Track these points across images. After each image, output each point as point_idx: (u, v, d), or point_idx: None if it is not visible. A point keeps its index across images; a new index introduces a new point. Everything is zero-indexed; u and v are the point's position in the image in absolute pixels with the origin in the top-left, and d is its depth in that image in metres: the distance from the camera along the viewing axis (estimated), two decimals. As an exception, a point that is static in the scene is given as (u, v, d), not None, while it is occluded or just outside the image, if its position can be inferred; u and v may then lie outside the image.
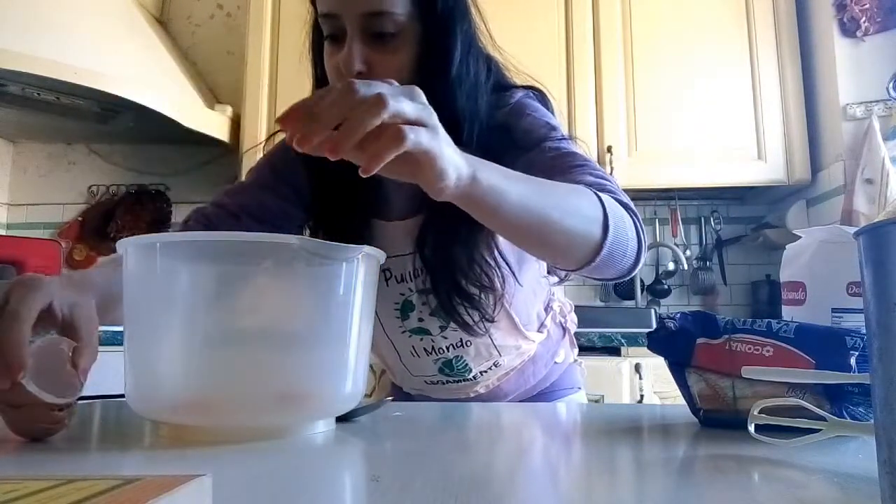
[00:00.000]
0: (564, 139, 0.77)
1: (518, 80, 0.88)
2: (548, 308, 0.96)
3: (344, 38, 0.73)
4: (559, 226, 0.60)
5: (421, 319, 0.84)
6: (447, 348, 0.86)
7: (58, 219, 2.55)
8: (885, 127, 1.96)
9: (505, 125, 0.78)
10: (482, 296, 0.79)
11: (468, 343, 0.85)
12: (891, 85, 2.00)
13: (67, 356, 0.48)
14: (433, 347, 0.86)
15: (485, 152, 0.61)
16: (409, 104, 0.47)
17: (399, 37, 0.73)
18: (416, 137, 0.46)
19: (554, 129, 0.78)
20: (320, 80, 0.83)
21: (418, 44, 0.75)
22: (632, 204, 0.69)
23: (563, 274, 0.91)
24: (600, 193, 0.64)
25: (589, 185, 0.67)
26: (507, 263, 0.81)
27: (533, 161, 0.73)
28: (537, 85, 0.87)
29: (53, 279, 0.57)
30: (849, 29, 2.05)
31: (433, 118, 0.49)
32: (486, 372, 0.89)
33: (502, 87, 0.84)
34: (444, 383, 0.90)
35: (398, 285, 0.83)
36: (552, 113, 0.84)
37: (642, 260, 0.69)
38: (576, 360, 1.03)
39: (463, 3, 0.79)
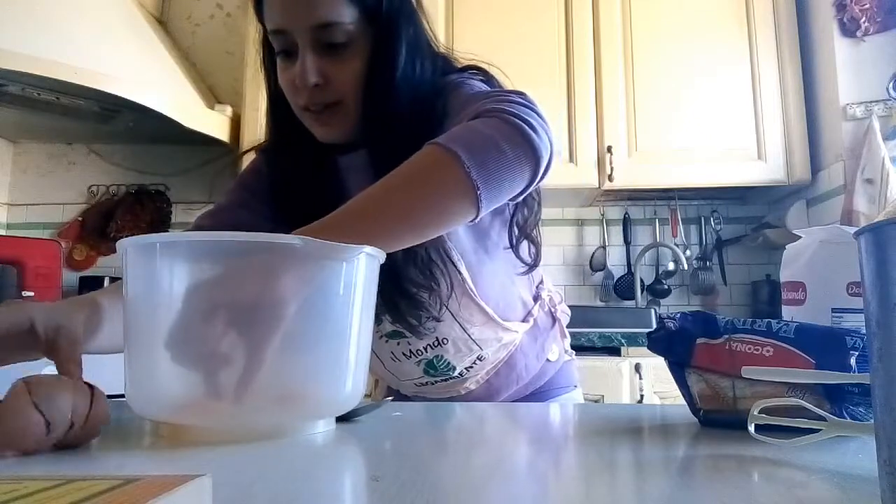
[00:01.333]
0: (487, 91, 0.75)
1: (508, 85, 0.86)
2: (536, 297, 0.95)
3: (296, 52, 0.75)
4: (432, 214, 0.60)
5: (393, 322, 0.83)
6: (424, 349, 0.86)
7: (58, 219, 2.55)
8: (885, 127, 1.96)
9: (442, 113, 0.77)
10: (423, 296, 0.79)
11: (445, 341, 0.85)
12: (891, 85, 2.00)
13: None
14: (411, 350, 0.86)
15: (415, 137, 0.64)
16: None
17: (350, 46, 0.75)
18: None
19: (480, 93, 0.75)
20: (274, 96, 0.85)
21: (369, 50, 0.76)
22: (533, 114, 0.64)
23: (527, 260, 0.88)
24: (440, 142, 0.60)
25: (482, 111, 0.64)
26: (452, 261, 0.80)
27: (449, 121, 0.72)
28: (481, 65, 0.86)
29: (41, 304, 0.59)
30: (849, 29, 2.06)
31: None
32: (471, 367, 0.88)
33: (441, 70, 0.84)
34: (432, 384, 0.90)
35: None
36: (493, 86, 0.82)
37: (547, 153, 0.64)
38: (567, 352, 1.01)
39: (408, 6, 0.80)
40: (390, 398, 0.76)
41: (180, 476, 0.27)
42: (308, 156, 0.84)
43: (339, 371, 0.56)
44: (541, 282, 0.98)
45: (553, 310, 0.98)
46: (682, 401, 0.62)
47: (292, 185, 0.84)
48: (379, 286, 0.75)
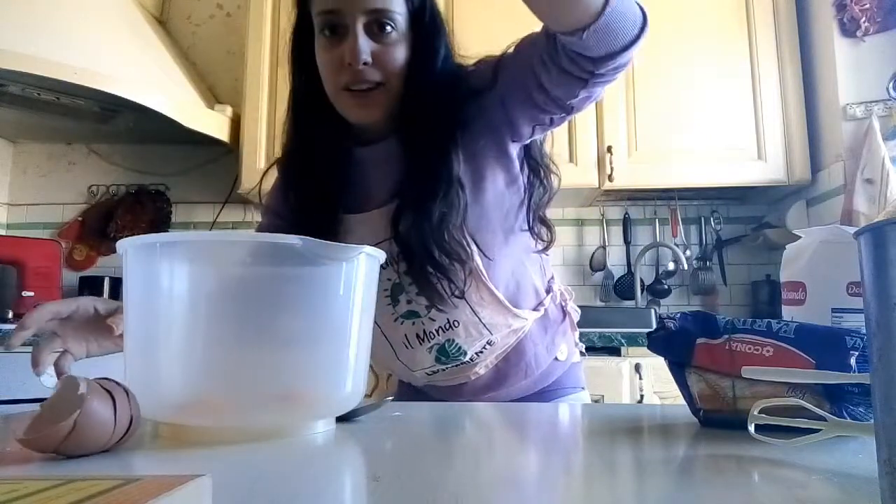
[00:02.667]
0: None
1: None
2: (548, 289, 0.97)
3: (343, 33, 0.81)
4: None
5: (409, 301, 0.86)
6: (437, 332, 0.87)
7: (58, 219, 2.55)
8: (885, 127, 1.96)
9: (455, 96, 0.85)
10: (453, 265, 0.82)
11: (456, 324, 0.87)
12: (891, 85, 2.00)
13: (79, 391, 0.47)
14: (424, 332, 0.88)
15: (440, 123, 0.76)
16: None
17: (396, 35, 0.82)
18: None
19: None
20: (299, 89, 0.90)
21: (410, 45, 0.83)
22: None
23: (545, 238, 0.94)
24: None
25: None
26: (476, 244, 0.85)
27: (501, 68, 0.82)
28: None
29: (92, 297, 0.77)
30: (849, 29, 2.05)
31: None
32: (481, 353, 0.90)
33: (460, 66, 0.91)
34: (443, 371, 0.91)
35: (384, 271, 0.86)
36: None
37: (643, 37, 0.73)
38: (577, 346, 1.03)
39: (441, 20, 0.88)
40: (390, 398, 0.76)
41: (180, 476, 0.27)
42: (330, 147, 0.89)
43: (339, 371, 0.56)
44: (552, 277, 1.00)
45: (564, 304, 1.01)
46: (682, 401, 0.62)
47: (315, 175, 0.88)
48: (410, 255, 0.82)
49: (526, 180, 0.89)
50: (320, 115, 0.88)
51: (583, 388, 1.02)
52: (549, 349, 0.96)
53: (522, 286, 0.92)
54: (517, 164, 0.87)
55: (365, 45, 0.80)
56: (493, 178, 0.86)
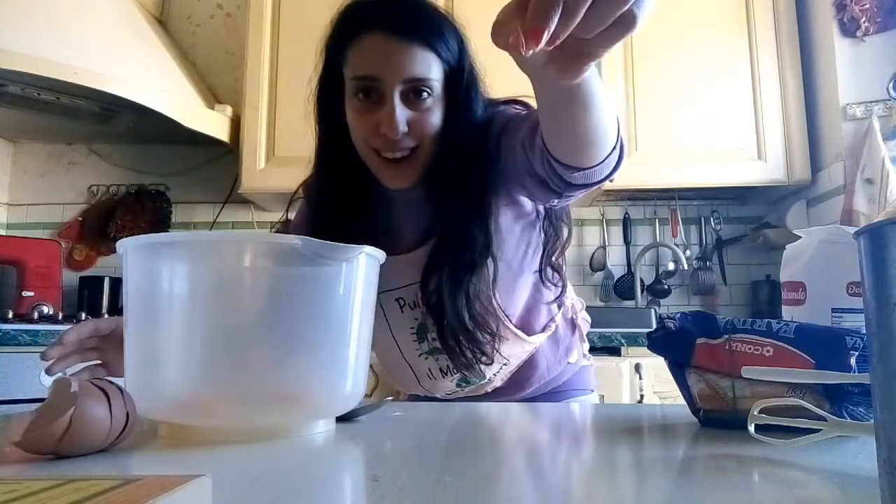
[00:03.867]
0: None
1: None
2: (560, 304, 0.98)
3: (378, 99, 0.79)
4: (603, 116, 0.61)
5: (435, 339, 0.87)
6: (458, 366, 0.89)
7: (58, 219, 2.55)
8: (885, 127, 1.96)
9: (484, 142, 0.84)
10: (484, 336, 0.84)
11: None
12: (891, 85, 2.00)
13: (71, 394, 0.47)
14: (448, 367, 0.89)
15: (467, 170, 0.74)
16: None
17: (431, 99, 0.81)
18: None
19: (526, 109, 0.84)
20: (326, 135, 0.89)
21: (445, 106, 0.83)
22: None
23: (555, 284, 0.94)
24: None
25: None
26: (498, 304, 0.86)
27: (508, 130, 0.78)
28: (519, 97, 0.90)
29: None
30: (849, 29, 2.05)
31: None
32: (498, 373, 0.93)
33: (487, 107, 0.89)
34: (462, 390, 0.94)
35: (412, 311, 0.88)
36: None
37: (617, 172, 0.71)
38: (586, 356, 1.05)
39: (476, 71, 0.87)
40: (390, 398, 0.76)
41: (180, 476, 0.27)
42: (357, 190, 0.89)
43: (339, 371, 0.56)
44: (563, 289, 0.99)
45: (574, 317, 1.02)
46: (682, 401, 0.62)
47: (341, 217, 0.88)
48: (441, 324, 0.82)
49: (542, 224, 0.90)
50: (348, 163, 0.86)
51: (592, 391, 1.04)
52: (561, 360, 0.98)
53: (535, 310, 0.94)
54: (529, 206, 0.88)
55: (402, 116, 0.78)
56: (508, 220, 0.86)
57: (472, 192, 0.82)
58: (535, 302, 0.93)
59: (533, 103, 0.88)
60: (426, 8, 0.84)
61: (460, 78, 0.83)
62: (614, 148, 0.66)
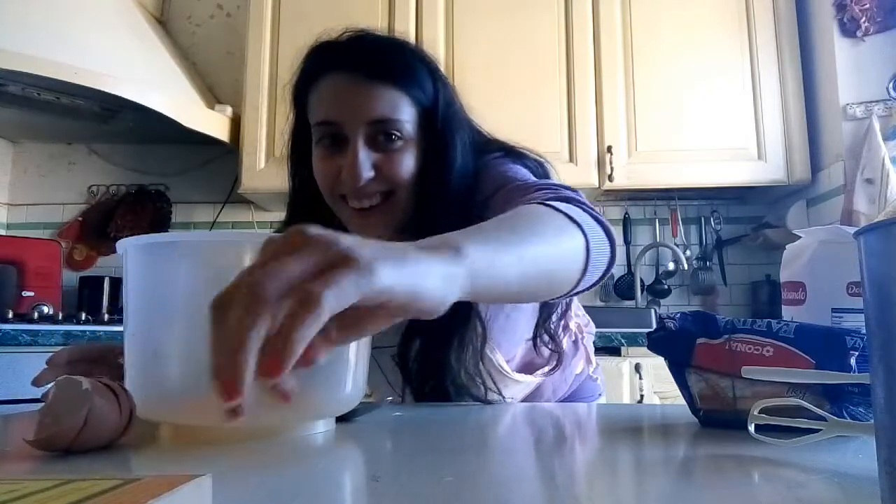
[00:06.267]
0: (527, 179, 0.72)
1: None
2: (566, 329, 0.92)
3: (342, 144, 0.74)
4: (555, 272, 0.56)
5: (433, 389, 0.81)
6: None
7: (58, 219, 2.55)
8: (885, 127, 1.96)
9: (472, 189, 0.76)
10: (476, 387, 0.77)
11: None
12: (891, 85, 2.00)
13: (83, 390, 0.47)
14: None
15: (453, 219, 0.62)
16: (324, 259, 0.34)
17: (403, 142, 0.75)
18: (353, 287, 0.33)
19: (517, 179, 0.72)
20: (299, 189, 0.84)
21: (421, 149, 0.76)
22: (595, 210, 0.64)
23: (548, 350, 0.87)
24: (565, 205, 0.59)
25: (547, 199, 0.62)
26: (492, 357, 0.78)
27: (490, 204, 0.69)
28: (515, 145, 0.84)
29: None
30: (849, 29, 2.05)
31: (364, 250, 0.35)
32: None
33: (477, 150, 0.82)
34: None
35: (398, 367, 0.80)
36: (529, 167, 0.79)
37: (615, 261, 0.65)
38: (591, 375, 1.00)
39: (460, 110, 0.80)
40: (390, 398, 0.76)
41: (180, 476, 0.27)
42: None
43: (339, 371, 0.56)
44: (567, 308, 0.92)
45: (581, 337, 0.96)
46: (682, 401, 0.62)
47: None
48: (431, 379, 0.75)
49: None
50: (322, 218, 0.80)
51: (600, 395, 1.01)
52: (567, 379, 0.94)
53: (532, 352, 0.87)
54: None
55: (366, 160, 0.73)
56: None
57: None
58: (530, 348, 0.87)
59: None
60: (393, 46, 0.80)
61: (436, 118, 0.77)
62: (584, 270, 0.58)
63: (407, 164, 0.75)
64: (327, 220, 0.80)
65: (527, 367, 0.87)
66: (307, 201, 0.82)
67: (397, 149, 0.75)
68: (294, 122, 0.82)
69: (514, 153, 0.81)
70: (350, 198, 0.75)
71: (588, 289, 0.64)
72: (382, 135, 0.74)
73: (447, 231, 0.63)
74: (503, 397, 0.81)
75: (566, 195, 0.63)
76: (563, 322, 0.91)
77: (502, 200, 0.68)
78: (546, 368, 0.89)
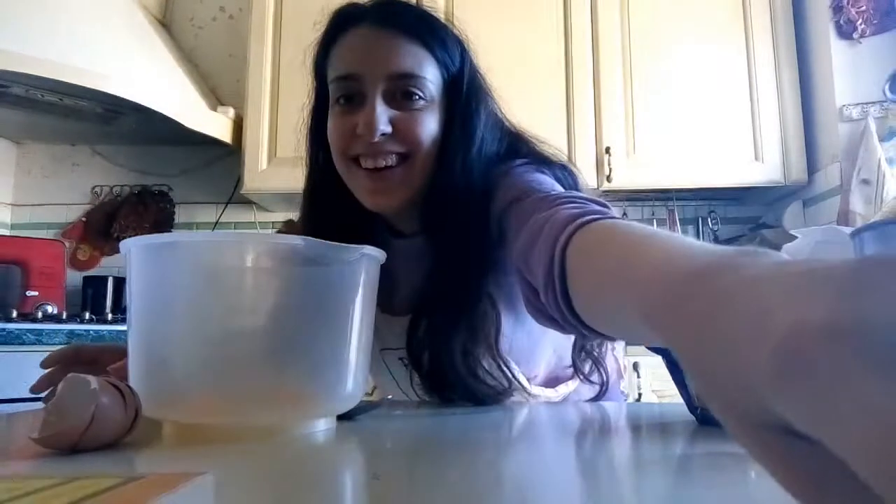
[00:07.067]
0: (551, 192, 0.63)
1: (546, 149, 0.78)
2: (600, 360, 0.82)
3: (360, 100, 0.69)
4: None
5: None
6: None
7: (62, 219, 2.56)
8: (881, 128, 1.96)
9: (487, 188, 0.69)
10: (502, 385, 0.71)
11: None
12: (887, 86, 2.00)
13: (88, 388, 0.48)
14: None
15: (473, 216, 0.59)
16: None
17: (425, 103, 0.70)
18: None
19: (538, 190, 0.64)
20: (316, 166, 0.78)
21: (444, 118, 0.71)
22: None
23: (591, 378, 0.81)
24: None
25: (570, 215, 0.55)
26: (507, 365, 0.71)
27: (510, 213, 0.64)
28: (549, 155, 0.76)
29: None
30: (845, 31, 2.05)
31: None
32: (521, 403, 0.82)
33: (506, 152, 0.76)
34: None
35: (405, 369, 0.76)
36: (557, 176, 0.71)
37: None
38: (623, 391, 0.94)
39: (485, 85, 0.76)
40: (390, 397, 0.76)
41: (182, 474, 0.27)
42: (353, 234, 0.70)
43: (339, 371, 0.57)
44: (606, 385, 0.84)
45: (613, 348, 0.89)
46: (679, 399, 0.62)
47: None
48: (426, 386, 0.70)
49: None
50: (340, 207, 0.75)
51: (625, 398, 0.95)
52: (593, 388, 0.85)
53: (565, 357, 0.80)
54: None
55: (383, 114, 0.67)
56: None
57: (471, 234, 0.67)
58: (565, 346, 0.80)
59: (551, 151, 0.74)
60: (423, 10, 0.74)
61: (461, 88, 0.72)
62: None
63: (427, 126, 0.69)
64: (345, 209, 0.75)
65: (551, 382, 0.81)
66: (325, 189, 0.76)
67: (418, 108, 0.69)
68: (314, 98, 0.77)
69: (539, 160, 0.74)
70: (363, 157, 0.69)
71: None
72: (403, 92, 0.68)
73: (465, 217, 0.64)
74: (526, 390, 0.75)
75: (593, 209, 0.55)
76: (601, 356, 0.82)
77: (524, 211, 0.62)
78: (571, 383, 0.82)
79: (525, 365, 0.76)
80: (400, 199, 0.71)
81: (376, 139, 0.67)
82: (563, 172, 0.73)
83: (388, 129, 0.67)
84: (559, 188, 0.66)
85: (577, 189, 0.69)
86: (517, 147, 0.76)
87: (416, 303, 0.73)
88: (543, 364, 0.80)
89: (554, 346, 0.79)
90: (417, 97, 0.69)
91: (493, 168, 0.71)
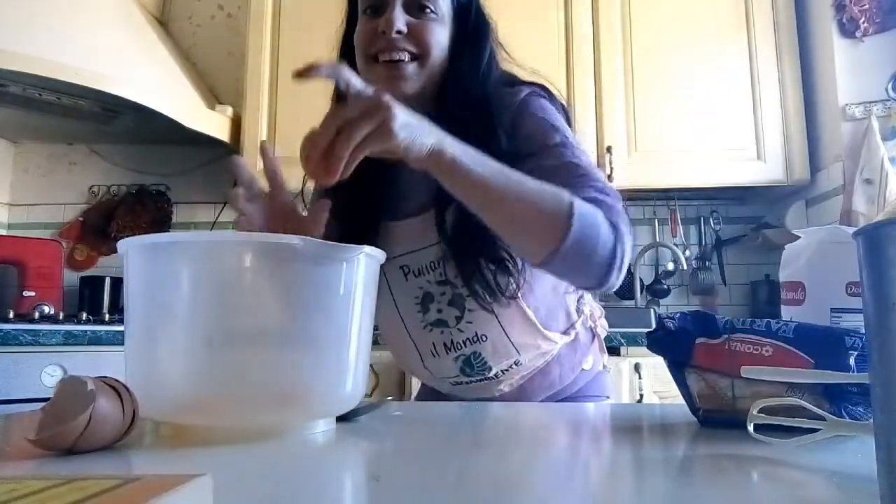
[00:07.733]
0: (566, 144, 0.81)
1: (522, 75, 0.93)
2: (579, 311, 0.96)
3: (383, 11, 0.82)
4: (516, 210, 0.67)
5: (440, 311, 0.86)
6: (464, 343, 0.86)
7: (59, 219, 2.55)
8: (883, 127, 1.96)
9: (510, 128, 0.82)
10: (507, 265, 0.82)
11: (484, 338, 0.86)
12: (890, 85, 2.00)
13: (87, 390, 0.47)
14: (452, 342, 0.87)
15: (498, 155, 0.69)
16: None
17: (438, 18, 0.84)
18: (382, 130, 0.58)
19: (556, 131, 0.82)
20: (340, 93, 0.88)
21: (452, 36, 0.85)
22: (623, 225, 0.73)
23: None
24: (576, 199, 0.69)
25: (585, 199, 0.71)
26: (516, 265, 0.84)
27: (532, 169, 0.73)
28: (541, 81, 0.91)
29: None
30: (848, 29, 2.06)
31: (386, 110, 0.59)
32: (507, 371, 0.89)
33: (506, 81, 0.90)
34: (467, 384, 0.90)
35: (417, 279, 0.86)
36: (558, 108, 0.88)
37: (616, 274, 0.72)
38: (605, 367, 1.01)
39: (489, 21, 0.90)
40: (390, 398, 0.76)
41: (181, 475, 0.27)
42: (360, 220, 0.88)
43: (339, 371, 0.56)
44: (582, 296, 0.98)
45: (594, 325, 0.99)
46: (681, 400, 0.62)
47: (351, 181, 0.81)
48: (460, 256, 0.83)
49: None
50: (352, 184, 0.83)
51: (607, 397, 1.00)
52: (575, 368, 0.95)
53: (554, 309, 0.91)
54: None
55: (401, 16, 0.81)
56: None
57: (483, 125, 0.80)
58: (556, 296, 0.91)
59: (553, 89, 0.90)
60: None
61: (469, 16, 0.86)
62: (557, 251, 0.68)
63: (437, 34, 0.83)
64: (355, 193, 0.84)
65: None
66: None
67: (431, 19, 0.83)
68: (345, 24, 0.90)
69: (545, 89, 0.89)
70: (381, 53, 0.82)
71: (582, 285, 0.73)
72: (419, 6, 0.83)
73: (477, 113, 0.81)
74: (518, 352, 0.87)
75: (602, 200, 0.75)
76: (578, 305, 0.96)
77: (547, 163, 0.78)
78: (559, 335, 0.91)
79: (528, 296, 0.87)
80: (412, 89, 0.83)
81: (394, 35, 0.81)
82: (562, 109, 0.89)
83: (405, 29, 0.81)
84: (584, 159, 0.82)
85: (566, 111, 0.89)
86: (511, 79, 0.91)
87: (431, 203, 0.84)
88: (540, 306, 0.89)
89: (547, 290, 0.91)
90: (430, 10, 0.83)
91: (500, 82, 0.87)
